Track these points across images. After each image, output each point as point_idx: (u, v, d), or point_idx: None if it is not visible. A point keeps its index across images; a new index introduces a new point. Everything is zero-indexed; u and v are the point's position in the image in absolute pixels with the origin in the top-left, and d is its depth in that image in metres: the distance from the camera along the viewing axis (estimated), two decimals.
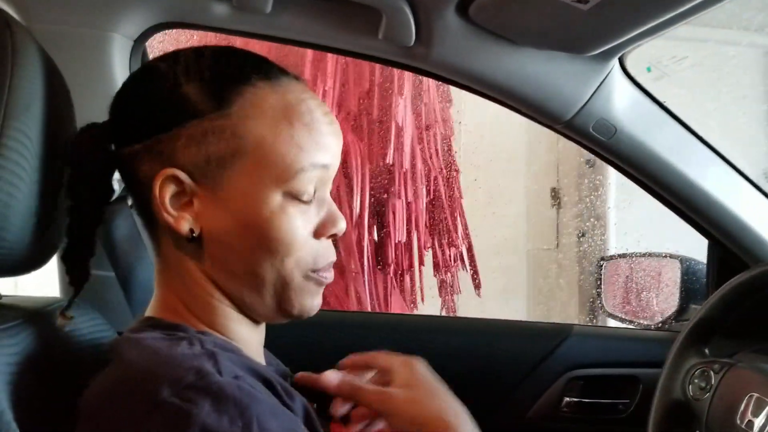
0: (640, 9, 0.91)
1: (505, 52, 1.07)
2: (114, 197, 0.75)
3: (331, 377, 0.74)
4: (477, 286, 3.54)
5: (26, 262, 0.72)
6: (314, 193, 0.70)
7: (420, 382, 0.74)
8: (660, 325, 1.41)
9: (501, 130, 3.59)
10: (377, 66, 3.20)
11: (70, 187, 0.71)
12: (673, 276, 1.40)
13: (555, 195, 3.92)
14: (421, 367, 0.76)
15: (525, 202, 3.92)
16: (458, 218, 3.51)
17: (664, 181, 1.19)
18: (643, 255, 1.47)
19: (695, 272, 1.38)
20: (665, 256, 1.43)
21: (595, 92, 1.11)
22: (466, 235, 3.53)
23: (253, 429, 0.56)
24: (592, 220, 3.76)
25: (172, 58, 0.70)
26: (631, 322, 1.45)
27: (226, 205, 0.67)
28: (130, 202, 0.84)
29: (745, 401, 0.97)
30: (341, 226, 0.72)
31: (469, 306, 3.61)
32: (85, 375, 0.68)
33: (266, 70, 0.69)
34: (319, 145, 0.69)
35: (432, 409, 0.72)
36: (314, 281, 0.71)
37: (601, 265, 1.44)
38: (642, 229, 3.29)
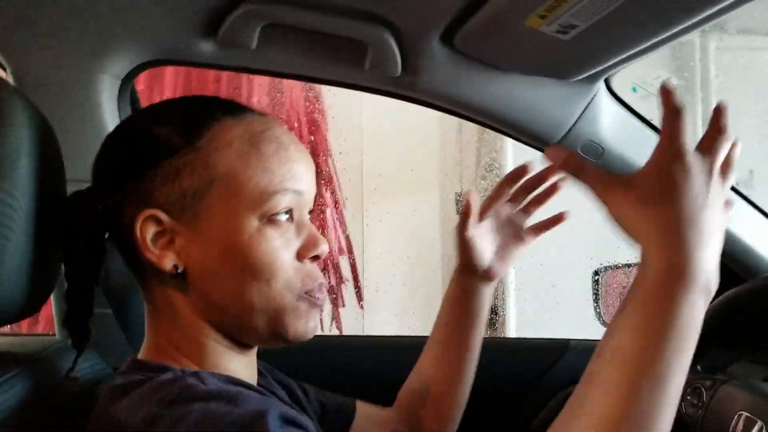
0: (620, 38, 0.92)
1: (491, 79, 1.08)
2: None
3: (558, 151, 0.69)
4: (359, 298, 3.38)
5: (18, 312, 0.73)
6: (292, 217, 0.72)
7: (673, 179, 0.60)
8: None
9: (413, 136, 3.49)
10: (224, 75, 2.99)
11: (66, 252, 0.74)
12: None
13: (458, 201, 3.87)
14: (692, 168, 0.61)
15: (440, 207, 3.83)
16: (333, 228, 3.29)
17: None
18: (636, 265, 1.47)
19: None
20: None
21: (581, 115, 1.12)
22: (348, 247, 3.34)
23: (245, 408, 0.59)
24: None
25: (143, 111, 0.76)
26: None
27: (207, 237, 0.69)
28: None
29: (734, 420, 0.98)
30: (323, 247, 0.73)
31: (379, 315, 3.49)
32: (85, 417, 0.69)
33: (230, 107, 0.73)
34: (290, 172, 0.71)
35: (664, 220, 0.60)
36: (307, 302, 0.72)
37: (596, 279, 1.44)
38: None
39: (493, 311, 3.45)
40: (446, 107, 1.13)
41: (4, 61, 1.01)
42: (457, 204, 3.55)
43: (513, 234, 0.99)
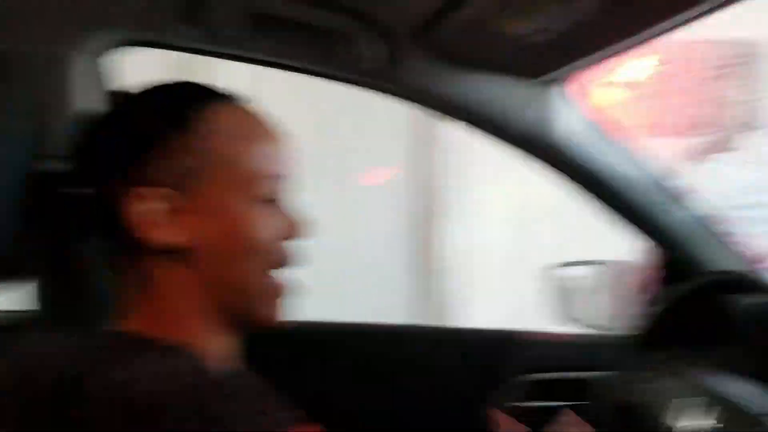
0: (594, 41, 0.97)
1: (464, 78, 1.14)
2: None
3: None
4: None
5: None
6: (276, 199, 0.77)
7: None
8: (607, 329, 1.46)
9: None
10: None
11: (53, 232, 0.81)
12: (608, 281, 1.44)
13: None
14: None
15: None
16: None
17: (614, 192, 1.26)
18: (578, 263, 1.50)
19: (626, 275, 1.43)
20: (596, 263, 1.46)
21: (546, 112, 1.18)
22: None
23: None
24: None
25: (134, 97, 0.78)
26: (583, 327, 1.50)
27: (201, 216, 0.74)
28: None
29: (668, 407, 1.03)
30: (301, 229, 0.79)
31: None
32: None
33: (218, 94, 0.78)
34: (270, 157, 0.77)
35: None
36: (272, 284, 0.77)
37: (548, 277, 1.48)
38: None
39: None
40: (423, 104, 1.18)
41: None
42: None
43: None
